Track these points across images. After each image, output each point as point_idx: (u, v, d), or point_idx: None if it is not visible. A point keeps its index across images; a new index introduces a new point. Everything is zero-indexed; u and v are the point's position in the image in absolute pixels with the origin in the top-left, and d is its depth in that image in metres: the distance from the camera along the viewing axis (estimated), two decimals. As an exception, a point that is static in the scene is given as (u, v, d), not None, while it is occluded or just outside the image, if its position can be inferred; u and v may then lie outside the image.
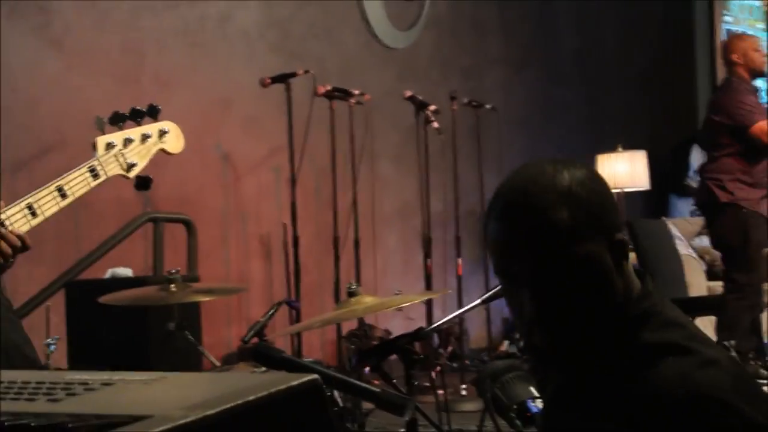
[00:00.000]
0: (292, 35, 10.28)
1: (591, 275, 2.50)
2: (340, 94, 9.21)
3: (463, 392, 9.09)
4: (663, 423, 2.35)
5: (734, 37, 11.03)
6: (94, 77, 8.58)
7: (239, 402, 1.59)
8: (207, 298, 6.30)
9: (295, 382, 1.66)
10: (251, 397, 1.61)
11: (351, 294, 5.32)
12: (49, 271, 7.54)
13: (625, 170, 11.73)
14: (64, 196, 3.29)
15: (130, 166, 3.44)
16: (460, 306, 7.74)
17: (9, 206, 3.21)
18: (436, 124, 9.58)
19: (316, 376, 1.70)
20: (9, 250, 3.22)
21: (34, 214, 3.22)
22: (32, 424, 1.59)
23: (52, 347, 6.36)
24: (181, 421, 1.53)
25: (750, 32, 14.46)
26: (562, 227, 2.47)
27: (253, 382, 1.68)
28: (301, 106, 8.93)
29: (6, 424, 1.62)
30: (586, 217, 2.50)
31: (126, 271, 7.58)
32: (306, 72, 8.87)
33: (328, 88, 9.14)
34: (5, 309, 4.20)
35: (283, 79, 8.81)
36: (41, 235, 7.17)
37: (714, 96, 10.09)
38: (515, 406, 6.10)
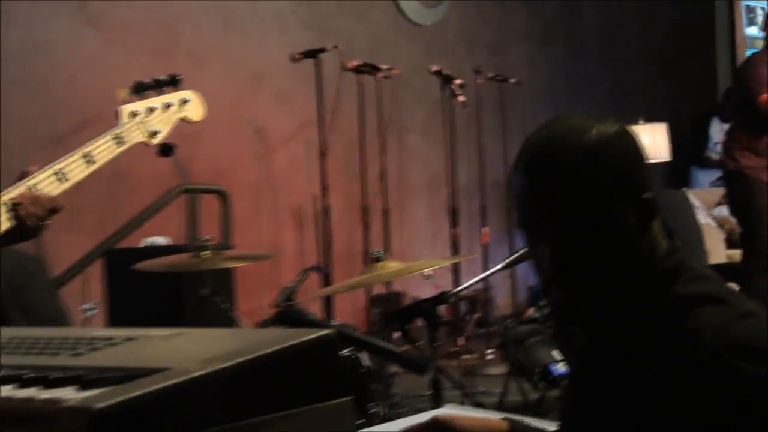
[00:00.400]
0: (322, 12, 10.26)
1: (612, 234, 2.45)
2: (368, 68, 9.19)
3: (490, 357, 9.08)
4: (703, 373, 2.28)
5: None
6: (129, 54, 8.59)
7: (254, 355, 1.61)
8: (238, 264, 6.32)
9: (307, 337, 1.67)
10: (266, 351, 1.62)
11: (377, 259, 5.33)
12: (89, 240, 7.56)
13: (646, 142, 11.68)
14: (90, 162, 3.29)
15: (153, 134, 3.44)
16: (486, 274, 7.72)
17: (38, 172, 3.22)
18: (461, 98, 9.54)
19: (328, 331, 1.71)
20: (40, 212, 3.22)
21: (62, 180, 3.22)
22: (50, 377, 1.60)
23: (88, 313, 6.40)
24: (198, 373, 1.55)
25: (770, 6, 14.41)
26: (585, 184, 2.42)
27: (268, 338, 1.69)
28: (330, 81, 8.93)
29: (24, 377, 1.63)
30: (610, 175, 2.45)
31: (162, 240, 7.60)
32: (335, 47, 8.85)
33: (357, 63, 9.12)
34: (43, 283, 4.23)
35: (313, 54, 8.80)
36: (82, 205, 7.26)
37: (738, 66, 10.12)
38: (538, 370, 6.11)
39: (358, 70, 9.17)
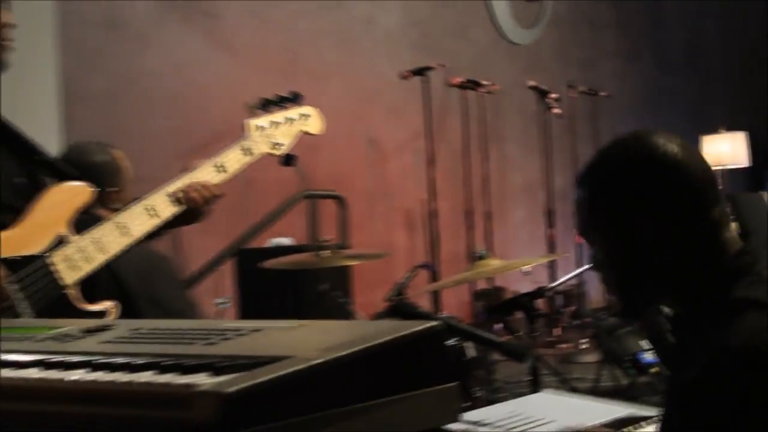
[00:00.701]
0: (430, 34, 10.27)
1: (683, 243, 2.39)
2: (471, 84, 9.22)
3: (583, 346, 9.01)
4: (733, 374, 2.21)
5: None
6: (257, 73, 8.65)
7: (369, 345, 1.61)
8: (354, 262, 6.37)
9: (416, 328, 1.67)
10: (379, 341, 1.62)
11: (480, 257, 5.32)
12: (221, 241, 7.63)
13: (727, 149, 11.59)
14: (221, 170, 3.33)
15: (277, 145, 3.47)
16: (579, 271, 7.69)
17: (173, 181, 3.27)
18: (556, 110, 9.54)
19: (437, 322, 1.70)
20: (207, 194, 3.30)
21: (220, 171, 3.30)
22: (185, 364, 1.61)
23: (221, 306, 6.46)
24: (317, 361, 1.55)
25: None
26: (656, 197, 2.37)
27: (382, 329, 1.69)
28: (437, 96, 8.97)
29: (163, 364, 1.64)
30: (684, 192, 2.38)
31: (286, 241, 7.65)
32: (441, 66, 8.88)
33: (461, 79, 9.14)
34: (171, 279, 4.28)
35: (421, 72, 8.83)
36: (214, 210, 7.31)
37: None
38: (628, 358, 6.06)
39: (462, 86, 9.20)
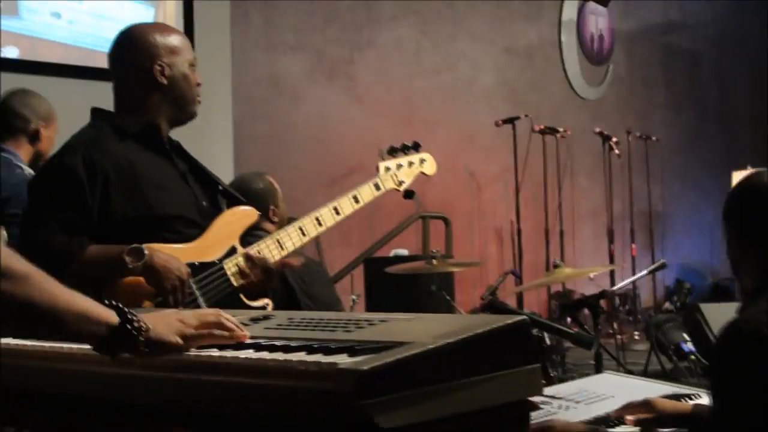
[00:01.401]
0: (518, 90, 10.24)
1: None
2: (549, 130, 9.15)
3: (636, 337, 8.87)
4: (729, 345, 2.27)
5: None
6: (382, 120, 8.69)
7: (470, 334, 1.61)
8: (457, 269, 6.39)
9: (508, 321, 1.66)
10: (479, 331, 1.62)
11: (555, 266, 5.30)
12: (354, 251, 7.67)
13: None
14: (357, 201, 3.33)
15: (400, 182, 3.47)
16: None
17: (319, 209, 3.27)
18: (617, 151, 9.44)
19: (524, 317, 1.70)
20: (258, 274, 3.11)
21: (337, 213, 3.27)
22: (330, 347, 1.64)
23: (354, 302, 6.48)
24: (431, 346, 1.55)
25: None
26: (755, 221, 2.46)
27: (480, 321, 1.68)
28: (523, 140, 8.91)
29: (313, 346, 1.67)
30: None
31: (404, 252, 7.65)
32: (526, 116, 8.83)
33: (542, 126, 9.09)
34: (324, 279, 4.31)
35: (510, 121, 8.79)
36: (350, 227, 7.36)
37: None
38: (673, 347, 5.96)
39: (542, 131, 9.13)
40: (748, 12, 13.63)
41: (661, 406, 2.63)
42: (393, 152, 3.48)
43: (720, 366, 2.31)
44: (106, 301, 1.75)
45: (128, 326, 1.72)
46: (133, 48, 3.12)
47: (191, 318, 1.83)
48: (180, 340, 1.77)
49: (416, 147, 3.53)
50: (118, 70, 3.17)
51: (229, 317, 1.87)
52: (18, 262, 1.63)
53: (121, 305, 1.74)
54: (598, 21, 11.32)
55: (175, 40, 3.19)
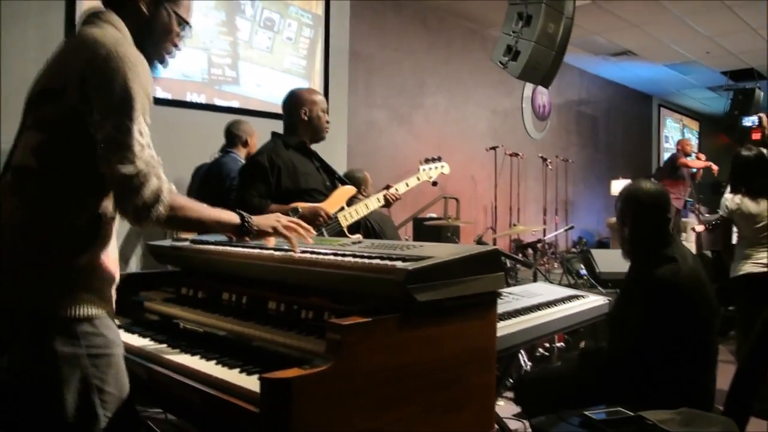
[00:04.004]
0: (498, 132, 9.99)
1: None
2: (514, 154, 8.89)
3: (555, 266, 8.64)
4: (651, 288, 2.16)
5: None
6: (425, 147, 8.55)
7: (466, 254, 1.56)
8: (462, 224, 6.21)
9: (487, 249, 1.61)
10: (471, 252, 1.56)
11: (514, 226, 5.16)
12: (407, 214, 7.56)
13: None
14: (407, 186, 3.27)
15: (430, 177, 3.41)
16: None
17: (384, 189, 3.22)
18: (550, 167, 9.21)
19: (496, 248, 1.63)
20: (392, 201, 3.16)
21: (397, 191, 3.20)
22: (393, 257, 1.57)
23: (406, 240, 6.36)
24: (445, 259, 1.50)
25: None
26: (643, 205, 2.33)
27: (471, 248, 1.61)
28: (500, 159, 8.73)
29: (383, 255, 1.60)
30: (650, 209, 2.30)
31: (433, 214, 7.52)
32: (502, 146, 8.62)
33: (510, 152, 8.86)
34: (392, 225, 4.23)
35: (494, 148, 8.60)
36: (405, 201, 7.23)
37: None
38: (575, 272, 5.76)
39: (511, 155, 8.88)
40: (626, 96, 13.27)
41: None
42: (427, 161, 3.42)
43: (645, 300, 2.17)
44: (236, 210, 1.71)
45: (244, 222, 1.68)
46: (293, 101, 3.13)
47: (284, 219, 1.78)
48: (272, 230, 1.73)
49: (440, 159, 3.45)
50: (286, 112, 3.16)
51: (304, 225, 1.80)
52: (179, 198, 1.51)
53: (242, 212, 1.71)
54: (543, 96, 11.08)
55: (316, 97, 3.18)
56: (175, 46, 1.64)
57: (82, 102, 1.40)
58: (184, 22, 1.63)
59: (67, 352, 1.41)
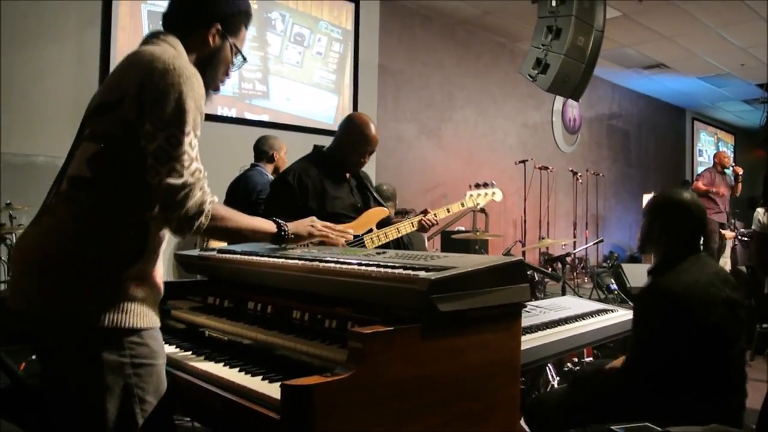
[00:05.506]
0: (527, 146, 9.94)
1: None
2: (544, 168, 8.76)
3: (585, 280, 8.55)
4: (645, 298, 2.10)
5: None
6: (454, 161, 8.58)
7: (491, 264, 1.52)
8: (490, 238, 6.13)
9: (512, 260, 1.57)
10: (496, 263, 1.53)
11: (542, 239, 5.08)
12: (436, 228, 7.54)
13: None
14: (448, 212, 3.21)
15: (477, 204, 3.33)
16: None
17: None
18: (580, 181, 9.11)
19: (520, 258, 1.61)
20: (428, 227, 3.08)
21: (435, 216, 3.12)
22: (416, 266, 1.55)
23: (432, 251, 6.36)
24: (469, 269, 1.48)
25: None
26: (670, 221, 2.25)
27: (497, 259, 1.58)
28: (530, 172, 8.67)
29: (407, 265, 1.58)
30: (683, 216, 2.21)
31: (462, 228, 7.46)
32: (531, 159, 8.56)
33: (540, 166, 8.75)
34: (422, 240, 4.16)
35: (523, 162, 8.52)
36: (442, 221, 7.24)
37: None
38: (605, 286, 5.66)
39: (540, 168, 8.78)
40: (658, 109, 13.07)
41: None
42: (477, 186, 3.31)
43: (640, 311, 2.13)
44: (272, 218, 1.76)
45: (281, 230, 1.71)
46: (349, 126, 3.01)
47: (318, 224, 1.84)
48: (308, 234, 1.81)
49: (492, 185, 3.30)
50: (339, 130, 3.05)
51: (339, 227, 1.85)
52: (220, 209, 1.54)
53: (278, 219, 1.76)
54: (574, 110, 10.98)
55: (369, 135, 3.02)
56: (228, 75, 1.69)
57: (137, 114, 1.42)
58: (240, 55, 1.68)
59: (112, 360, 1.42)
